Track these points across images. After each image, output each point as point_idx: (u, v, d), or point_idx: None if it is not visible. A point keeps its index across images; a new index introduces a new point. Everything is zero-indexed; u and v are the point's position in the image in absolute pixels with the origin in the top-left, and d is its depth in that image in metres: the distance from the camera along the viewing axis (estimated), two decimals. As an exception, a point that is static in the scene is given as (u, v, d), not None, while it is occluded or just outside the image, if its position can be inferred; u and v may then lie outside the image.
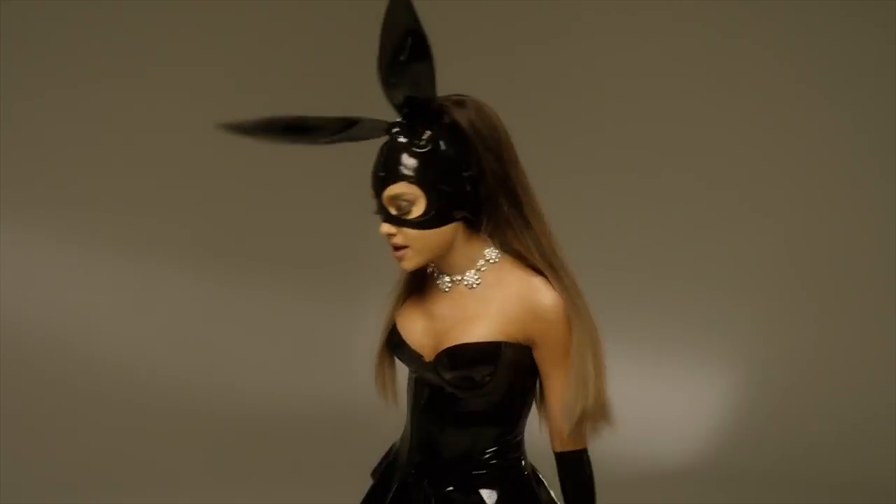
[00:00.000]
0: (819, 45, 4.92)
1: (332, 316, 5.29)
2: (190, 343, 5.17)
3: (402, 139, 2.00)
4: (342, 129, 1.99)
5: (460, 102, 2.01)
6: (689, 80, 5.05)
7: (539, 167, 2.14)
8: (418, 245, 2.02)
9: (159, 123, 5.28)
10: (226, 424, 4.90)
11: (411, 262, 2.04)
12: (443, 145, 1.99)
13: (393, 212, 2.02)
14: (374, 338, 2.20)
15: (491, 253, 2.07)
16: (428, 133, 1.99)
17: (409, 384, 2.19)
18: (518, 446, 2.15)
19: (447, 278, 2.09)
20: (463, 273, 2.08)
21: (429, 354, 2.09)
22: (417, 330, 2.11)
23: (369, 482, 2.26)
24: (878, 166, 4.90)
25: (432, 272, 2.13)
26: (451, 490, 2.11)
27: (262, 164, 5.28)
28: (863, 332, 4.82)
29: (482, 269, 2.07)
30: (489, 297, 2.05)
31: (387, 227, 2.03)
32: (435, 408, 2.12)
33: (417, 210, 2.00)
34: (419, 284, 2.17)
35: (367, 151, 2.06)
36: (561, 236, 2.08)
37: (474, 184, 2.01)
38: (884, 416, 4.63)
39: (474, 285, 2.07)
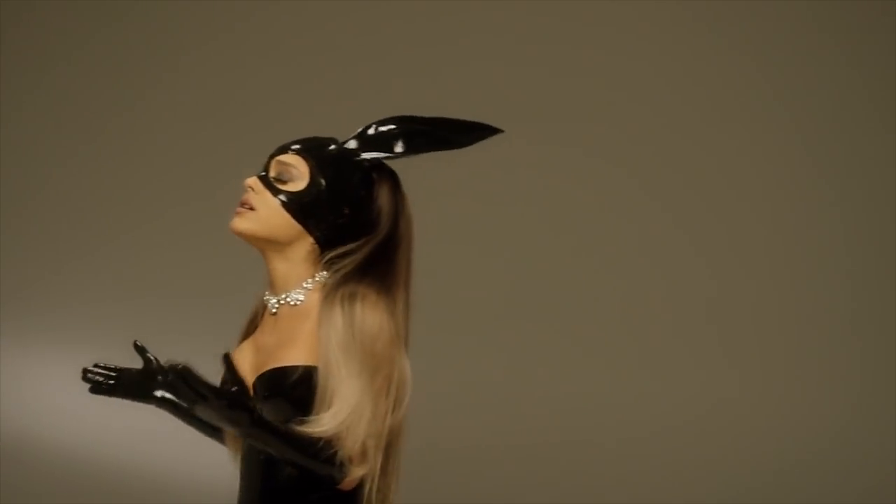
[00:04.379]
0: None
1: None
2: None
3: (336, 142, 2.04)
4: None
5: (393, 177, 2.05)
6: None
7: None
8: (264, 214, 1.98)
9: None
10: None
11: (245, 223, 1.98)
12: (352, 171, 2.01)
13: (271, 174, 2.01)
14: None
15: (322, 275, 1.99)
16: (356, 156, 2.01)
17: None
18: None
19: (274, 300, 2.01)
20: (289, 291, 1.99)
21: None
22: (246, 367, 2.00)
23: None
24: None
25: (266, 302, 2.05)
26: None
27: None
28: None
29: (308, 287, 1.99)
30: (308, 317, 1.96)
31: (253, 181, 2.01)
32: (257, 455, 1.93)
33: (293, 186, 1.99)
34: (255, 321, 2.10)
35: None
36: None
37: (349, 222, 1.99)
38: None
39: (296, 303, 1.99)
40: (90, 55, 5.36)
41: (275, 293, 2.01)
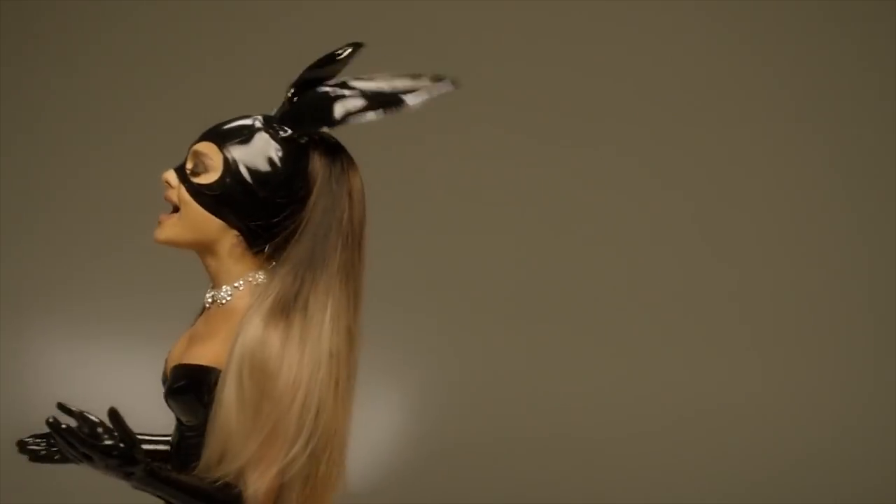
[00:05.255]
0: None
1: None
2: None
3: (259, 120, 1.89)
4: None
5: (337, 149, 1.88)
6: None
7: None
8: (185, 212, 1.86)
9: None
10: None
11: (165, 231, 1.89)
12: (273, 152, 1.85)
13: (187, 166, 1.88)
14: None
15: (257, 276, 1.87)
16: (282, 134, 1.86)
17: None
18: None
19: (209, 295, 1.92)
20: (222, 289, 1.89)
21: None
22: (173, 357, 1.94)
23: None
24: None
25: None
26: None
27: None
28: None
29: (239, 287, 1.87)
30: (230, 317, 1.84)
31: (170, 174, 1.89)
32: (178, 451, 1.90)
33: (206, 178, 1.85)
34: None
35: None
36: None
37: (274, 209, 1.84)
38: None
39: (223, 301, 1.88)
40: (110, 53, 5.34)
41: (212, 288, 1.92)
